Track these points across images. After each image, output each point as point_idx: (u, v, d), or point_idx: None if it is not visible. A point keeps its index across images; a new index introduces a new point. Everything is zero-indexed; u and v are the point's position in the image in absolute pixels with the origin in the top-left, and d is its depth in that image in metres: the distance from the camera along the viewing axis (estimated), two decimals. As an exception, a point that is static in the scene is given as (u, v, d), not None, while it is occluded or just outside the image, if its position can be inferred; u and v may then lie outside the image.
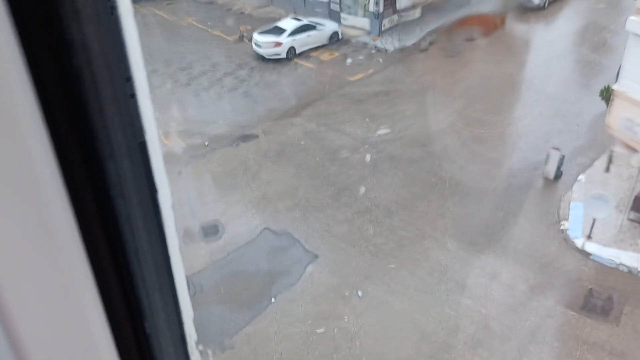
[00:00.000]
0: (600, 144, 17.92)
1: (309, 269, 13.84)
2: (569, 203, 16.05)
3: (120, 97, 0.77)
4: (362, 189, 16.41)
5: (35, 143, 0.68)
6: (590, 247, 14.51)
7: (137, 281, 0.90)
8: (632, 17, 13.24)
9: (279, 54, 24.44)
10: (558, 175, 16.90)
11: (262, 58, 24.78)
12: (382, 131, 19.32)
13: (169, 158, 17.92)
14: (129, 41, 0.76)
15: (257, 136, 19.28)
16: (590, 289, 13.33)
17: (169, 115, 20.30)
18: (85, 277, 0.81)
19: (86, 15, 0.68)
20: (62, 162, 0.72)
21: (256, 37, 24.98)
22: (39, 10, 0.65)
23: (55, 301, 0.78)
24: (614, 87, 14.59)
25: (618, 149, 17.07)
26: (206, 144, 18.79)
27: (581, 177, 17.10)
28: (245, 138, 19.14)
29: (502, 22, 28.21)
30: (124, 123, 0.78)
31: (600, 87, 19.77)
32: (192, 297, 13.01)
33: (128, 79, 0.78)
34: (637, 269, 13.86)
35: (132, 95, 0.80)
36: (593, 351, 11.79)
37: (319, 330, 12.21)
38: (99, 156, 0.75)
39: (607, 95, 18.25)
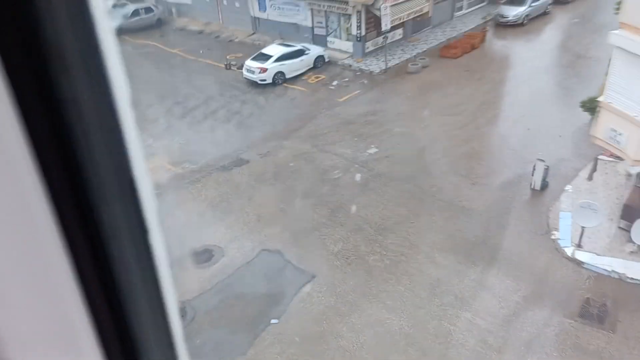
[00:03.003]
0: (584, 155, 18.02)
1: (307, 288, 13.67)
2: (558, 213, 16.03)
3: (112, 146, 0.78)
4: (354, 208, 16.32)
5: (29, 187, 0.71)
6: (581, 255, 14.45)
7: (132, 322, 0.89)
8: (615, 31, 13.34)
9: (265, 80, 24.56)
10: (544, 185, 16.95)
11: (252, 83, 24.86)
12: (371, 150, 19.32)
13: (164, 184, 17.76)
14: (117, 91, 0.77)
15: (249, 160, 19.19)
16: (587, 297, 13.22)
17: (161, 142, 20.18)
18: (81, 319, 0.82)
19: (75, 71, 0.70)
20: (56, 208, 0.74)
21: (246, 63, 25.15)
22: (30, 66, 0.67)
23: (52, 344, 0.80)
24: (600, 99, 14.69)
25: (604, 158, 17.16)
26: (200, 169, 18.68)
27: (568, 187, 17.12)
28: (238, 162, 19.05)
29: (483, 39, 28.55)
30: (116, 169, 0.81)
31: (578, 98, 19.97)
32: (191, 321, 12.74)
33: (118, 128, 0.78)
34: (625, 275, 13.80)
35: (122, 143, 0.80)
36: (592, 359, 11.63)
37: (319, 349, 11.98)
38: (91, 202, 0.77)
39: (589, 106, 18.40)
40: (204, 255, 14.80)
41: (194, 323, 12.75)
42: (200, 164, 18.99)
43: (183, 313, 12.81)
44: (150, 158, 19.05)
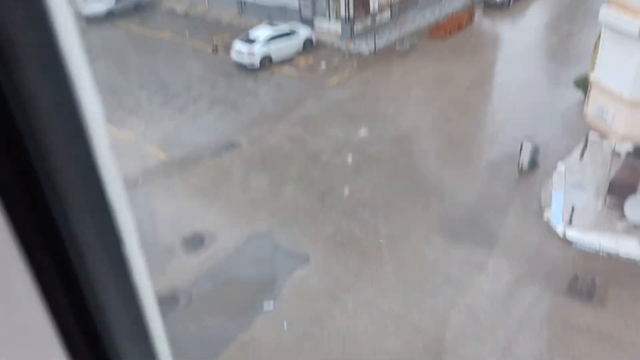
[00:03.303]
0: (576, 133, 18.09)
1: (301, 272, 13.69)
2: (550, 192, 16.14)
3: (74, 145, 0.75)
4: (346, 191, 16.31)
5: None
6: (572, 233, 14.59)
7: (103, 325, 0.87)
8: (604, 10, 13.30)
9: (254, 64, 24.26)
10: (533, 165, 17.00)
11: (240, 66, 24.57)
12: (362, 132, 19.27)
13: (152, 172, 17.61)
14: (80, 86, 0.73)
15: (240, 145, 19.06)
16: (575, 274, 13.40)
17: (150, 128, 19.96)
18: (43, 323, 0.80)
19: (28, 65, 0.66)
20: (11, 213, 0.71)
21: (235, 46, 24.78)
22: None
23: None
24: (590, 77, 14.73)
25: (593, 137, 17.25)
26: (190, 155, 18.53)
27: (560, 165, 17.24)
28: (229, 147, 18.91)
29: (471, 19, 28.42)
30: (81, 174, 0.78)
31: (568, 76, 20.00)
32: (186, 307, 12.74)
33: (80, 126, 0.74)
34: (617, 252, 13.97)
35: (86, 143, 0.76)
36: (581, 334, 11.82)
37: (314, 332, 12.04)
38: (53, 207, 0.75)
39: (582, 84, 18.43)
40: (196, 241, 14.74)
41: (188, 309, 12.76)
42: (190, 150, 18.82)
43: (176, 300, 12.85)
44: (140, 145, 18.87)
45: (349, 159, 17.73)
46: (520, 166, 16.99)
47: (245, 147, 18.98)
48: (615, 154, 16.30)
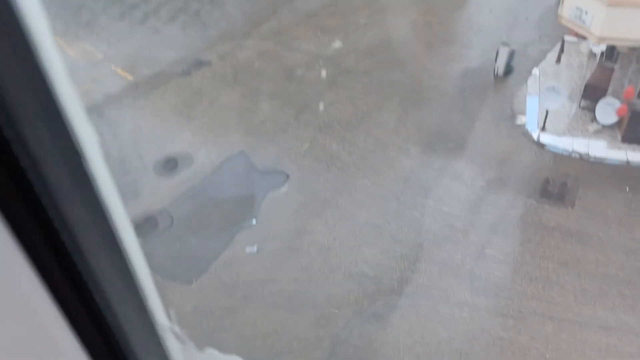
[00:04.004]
0: (551, 37, 17.81)
1: (280, 189, 13.77)
2: (525, 97, 16.14)
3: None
4: (321, 106, 16.10)
5: None
6: (545, 138, 14.78)
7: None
8: None
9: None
10: (509, 70, 16.90)
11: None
12: (336, 44, 18.72)
13: (121, 93, 17.09)
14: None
15: (210, 62, 18.45)
16: (548, 177, 13.73)
17: (113, 48, 19.13)
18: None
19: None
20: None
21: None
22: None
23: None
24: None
25: (569, 39, 17.01)
26: (158, 75, 17.92)
27: (535, 70, 17.11)
28: (198, 65, 18.31)
29: None
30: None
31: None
32: (169, 228, 12.86)
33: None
34: (587, 154, 14.26)
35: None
36: (552, 234, 12.32)
37: (296, 245, 12.35)
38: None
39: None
40: (171, 163, 14.61)
41: (169, 231, 12.88)
42: (158, 70, 18.15)
43: (155, 223, 12.91)
44: (105, 65, 18.16)
45: (323, 73, 17.36)
46: (495, 72, 16.87)
47: (216, 64, 18.38)
48: (592, 55, 16.17)
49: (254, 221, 12.91)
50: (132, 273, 0.96)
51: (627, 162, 14.04)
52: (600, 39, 13.62)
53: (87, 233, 0.86)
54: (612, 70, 14.78)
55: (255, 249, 12.23)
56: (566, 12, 13.97)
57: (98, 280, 0.86)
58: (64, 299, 0.83)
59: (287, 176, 14.06)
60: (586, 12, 13.44)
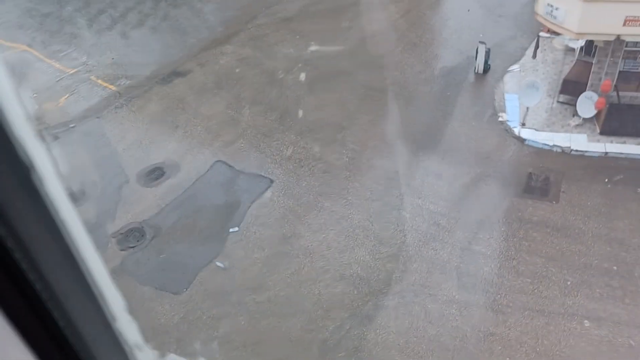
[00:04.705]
0: (528, 34, 18.03)
1: (266, 194, 13.70)
2: (503, 94, 16.28)
3: None
4: (301, 111, 16.07)
5: None
6: (526, 133, 14.91)
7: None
8: None
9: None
10: (487, 68, 17.07)
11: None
12: (314, 47, 18.74)
13: (102, 103, 16.92)
14: None
15: (190, 70, 18.34)
16: (530, 172, 13.84)
17: (93, 58, 18.95)
18: None
19: None
20: None
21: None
22: None
23: None
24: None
25: (544, 35, 17.21)
26: (139, 85, 17.78)
27: (514, 66, 17.29)
28: (179, 74, 18.19)
29: None
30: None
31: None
32: (152, 239, 12.74)
33: None
34: (569, 147, 14.42)
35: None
36: (537, 228, 12.41)
37: (284, 250, 12.30)
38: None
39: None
40: (155, 174, 14.49)
41: (157, 241, 12.75)
42: (138, 79, 18.01)
43: (142, 233, 12.80)
44: (83, 76, 17.98)
45: (302, 76, 17.35)
46: (476, 69, 17.03)
47: (197, 71, 18.27)
48: (568, 50, 16.38)
49: (236, 229, 12.83)
50: (92, 289, 0.93)
51: (606, 154, 14.23)
52: (578, 35, 13.81)
53: (44, 251, 0.83)
54: (591, 64, 14.99)
55: (224, 264, 12.12)
56: (540, 9, 14.14)
57: (58, 299, 0.83)
58: (19, 317, 0.80)
59: (272, 181, 14.02)
60: (557, 9, 13.62)
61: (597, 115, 14.94)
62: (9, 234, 0.74)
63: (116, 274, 11.72)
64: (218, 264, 12.10)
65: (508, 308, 10.85)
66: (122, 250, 12.42)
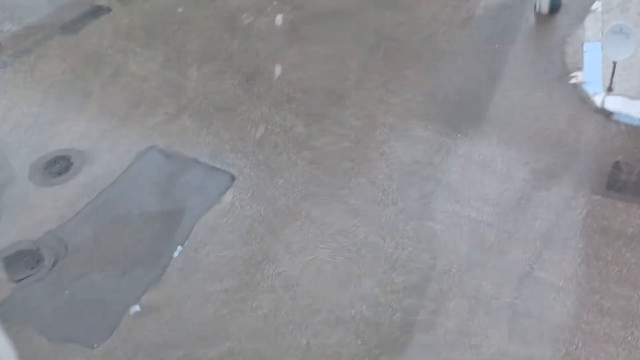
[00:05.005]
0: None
1: (223, 198, 13.78)
2: (582, 44, 16.20)
3: None
4: (278, 70, 16.10)
5: None
6: (613, 103, 14.82)
7: None
8: None
9: None
10: (555, 5, 17.02)
11: None
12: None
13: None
14: None
15: (108, 8, 18.37)
16: (618, 161, 13.75)
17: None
18: None
19: None
20: None
21: None
22: None
23: None
24: None
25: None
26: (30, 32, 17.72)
27: (596, 4, 17.17)
28: (91, 14, 18.24)
29: None
30: None
31: None
32: (53, 266, 12.65)
33: None
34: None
35: None
36: (632, 245, 12.24)
37: (249, 281, 12.17)
38: None
39: None
40: (58, 166, 14.63)
41: (60, 266, 12.67)
42: (29, 23, 18.13)
43: (38, 258, 12.73)
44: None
45: (279, 20, 17.40)
46: (537, 7, 17.03)
47: (118, 11, 18.40)
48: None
49: (180, 248, 12.80)
50: None
51: None
52: None
53: None
54: None
55: (138, 308, 11.97)
56: None
57: None
58: None
59: (233, 177, 14.05)
60: None
61: None
62: None
63: (2, 318, 11.59)
64: (134, 308, 11.94)
65: (589, 366, 10.72)
66: (10, 281, 12.40)
